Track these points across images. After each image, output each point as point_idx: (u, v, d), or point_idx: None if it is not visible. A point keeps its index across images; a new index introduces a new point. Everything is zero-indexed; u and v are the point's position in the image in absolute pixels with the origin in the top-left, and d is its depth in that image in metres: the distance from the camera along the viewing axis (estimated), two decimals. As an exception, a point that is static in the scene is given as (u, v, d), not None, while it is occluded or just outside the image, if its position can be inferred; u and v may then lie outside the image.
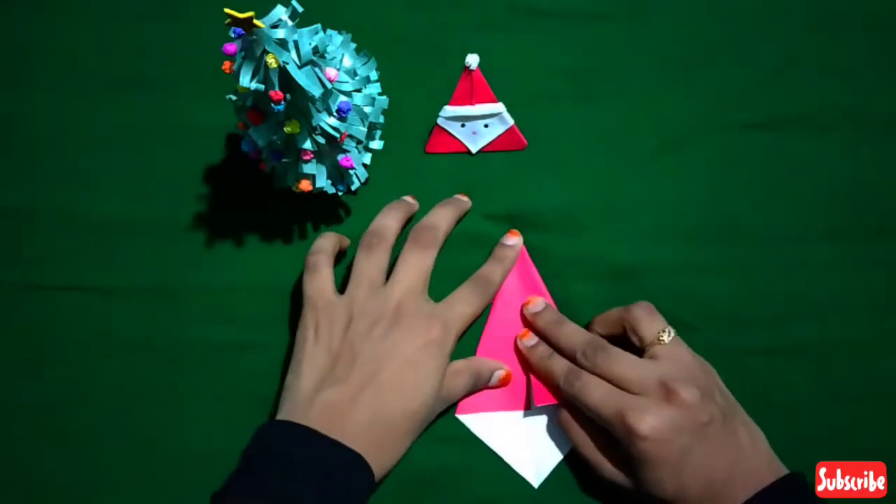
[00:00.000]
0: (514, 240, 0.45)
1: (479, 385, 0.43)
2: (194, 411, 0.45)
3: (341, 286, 0.43)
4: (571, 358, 0.42)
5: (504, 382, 0.44)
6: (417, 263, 0.41)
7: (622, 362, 0.40)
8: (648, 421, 0.37)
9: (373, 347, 0.38)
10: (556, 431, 0.43)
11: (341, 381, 0.37)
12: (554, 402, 0.42)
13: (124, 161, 0.47)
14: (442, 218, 0.43)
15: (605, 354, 0.40)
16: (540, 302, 0.44)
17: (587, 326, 0.44)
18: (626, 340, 0.42)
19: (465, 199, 0.46)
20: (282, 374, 0.45)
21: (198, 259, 0.46)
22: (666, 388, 0.38)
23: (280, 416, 0.38)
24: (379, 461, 0.36)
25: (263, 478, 0.34)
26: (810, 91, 0.47)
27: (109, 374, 0.45)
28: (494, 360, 0.44)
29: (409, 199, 0.45)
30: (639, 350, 0.41)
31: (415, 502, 0.42)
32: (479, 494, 0.43)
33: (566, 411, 0.42)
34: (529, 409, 0.44)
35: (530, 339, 0.43)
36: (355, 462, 0.35)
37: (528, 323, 0.44)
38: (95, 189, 0.47)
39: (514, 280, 0.45)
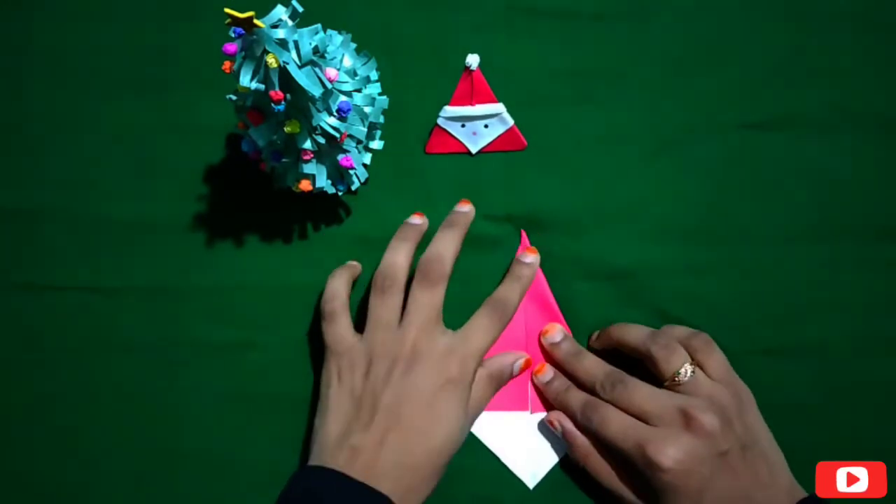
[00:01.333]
0: (531, 257, 0.44)
1: (504, 382, 0.43)
2: (194, 411, 0.45)
3: (356, 319, 0.43)
4: (590, 390, 0.42)
5: (526, 367, 0.44)
6: (428, 301, 0.40)
7: (641, 393, 0.40)
8: (669, 453, 0.37)
9: (393, 391, 0.38)
10: (554, 434, 0.43)
11: (366, 427, 0.38)
12: (551, 408, 0.43)
13: (124, 161, 0.47)
14: (447, 246, 0.42)
15: (623, 386, 0.40)
16: (558, 332, 0.44)
17: (602, 333, 0.44)
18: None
19: (466, 208, 0.44)
20: (281, 375, 0.45)
21: (198, 259, 0.46)
22: (686, 416, 0.38)
23: (311, 462, 0.38)
24: (407, 499, 0.37)
25: None
26: (810, 91, 0.47)
27: (109, 374, 0.45)
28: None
29: (416, 220, 0.44)
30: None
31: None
32: (478, 494, 0.43)
33: (585, 443, 0.41)
34: (528, 411, 0.44)
35: (546, 374, 0.44)
36: (382, 502, 0.36)
37: (546, 353, 0.44)
38: (96, 189, 0.47)
39: None
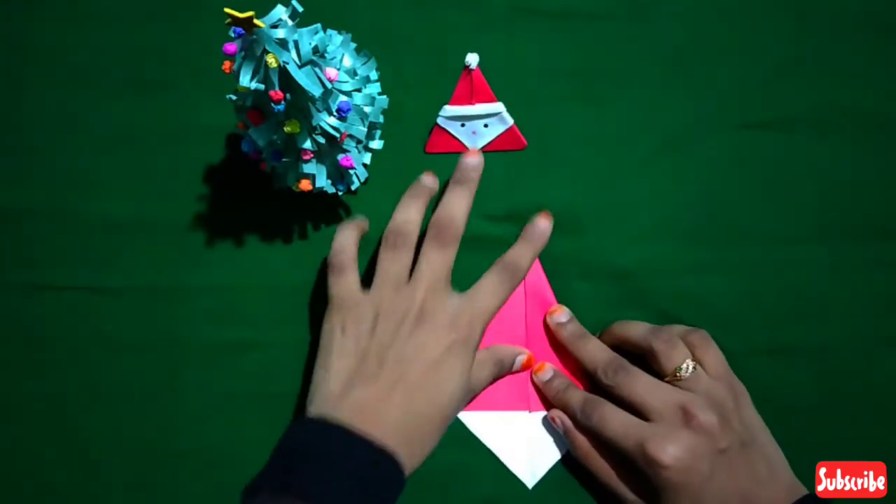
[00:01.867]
0: (545, 222, 0.43)
1: (503, 372, 0.43)
2: (194, 411, 0.45)
3: (363, 277, 0.43)
4: (592, 374, 0.42)
5: (527, 365, 0.44)
6: (439, 259, 0.40)
7: (642, 384, 0.40)
8: (669, 450, 0.37)
9: (400, 347, 0.38)
10: (554, 434, 0.43)
11: (371, 380, 0.37)
12: (551, 409, 0.44)
13: (124, 161, 0.47)
14: (460, 204, 0.42)
15: (626, 373, 0.41)
16: (565, 312, 0.44)
17: (605, 331, 0.44)
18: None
19: (475, 160, 0.43)
20: (281, 375, 0.45)
21: (198, 259, 0.46)
22: (685, 413, 0.38)
23: (311, 414, 0.38)
24: (409, 458, 0.37)
25: (295, 473, 0.34)
26: (810, 91, 0.47)
27: (109, 374, 0.45)
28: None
29: (428, 179, 0.43)
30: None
31: (413, 500, 0.42)
32: (478, 493, 0.43)
33: (585, 442, 0.42)
34: (529, 410, 0.44)
35: (546, 373, 0.44)
36: (387, 459, 0.35)
37: (551, 333, 0.44)
38: (95, 189, 0.47)
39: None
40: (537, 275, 0.45)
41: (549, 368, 0.44)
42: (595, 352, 0.42)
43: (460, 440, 0.43)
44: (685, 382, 0.40)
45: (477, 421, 0.44)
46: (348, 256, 0.41)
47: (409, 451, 0.36)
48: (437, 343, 0.38)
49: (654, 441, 0.38)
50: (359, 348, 0.38)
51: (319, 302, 0.45)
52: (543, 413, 0.44)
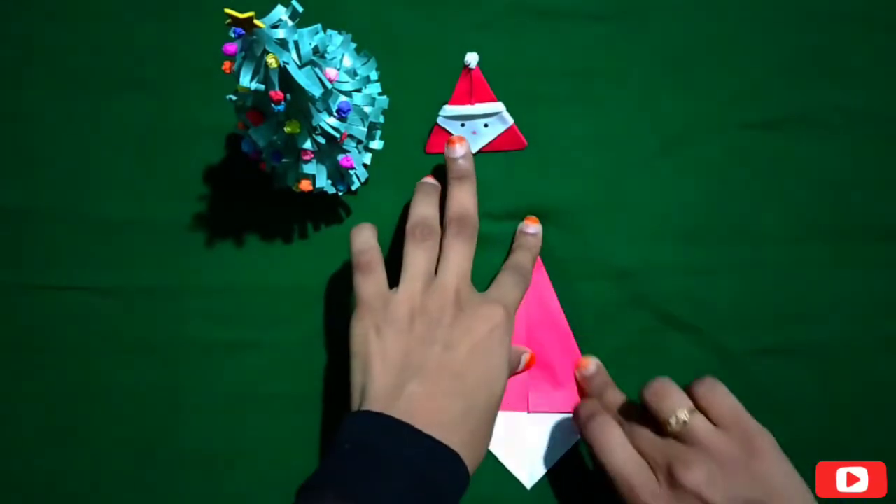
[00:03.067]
0: (534, 227, 0.45)
1: (514, 369, 0.43)
2: (194, 411, 0.45)
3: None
4: None
5: (530, 365, 0.44)
6: (466, 251, 0.40)
7: (640, 436, 0.39)
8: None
9: (445, 337, 0.37)
10: (553, 435, 0.43)
11: (421, 376, 0.36)
12: (549, 411, 0.44)
13: (124, 161, 0.47)
14: (469, 200, 0.42)
15: (630, 427, 0.39)
16: (593, 363, 0.44)
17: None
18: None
19: (462, 150, 0.42)
20: (281, 375, 0.45)
21: (198, 259, 0.46)
22: (669, 472, 0.36)
23: (367, 409, 0.35)
24: (473, 454, 0.35)
25: (359, 475, 0.33)
26: (810, 91, 0.47)
27: (109, 374, 0.45)
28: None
29: (432, 180, 0.44)
30: None
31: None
32: (478, 493, 0.43)
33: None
34: (529, 411, 0.44)
35: (590, 368, 0.44)
36: (451, 458, 0.34)
37: (550, 332, 0.45)
38: (95, 189, 0.47)
39: None
40: (539, 275, 0.45)
41: (593, 363, 0.44)
42: (610, 403, 0.42)
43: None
44: (682, 436, 0.37)
45: None
46: (375, 255, 0.40)
47: (473, 445, 0.35)
48: (480, 328, 0.37)
49: (642, 492, 0.36)
50: (399, 346, 0.37)
51: (319, 302, 0.45)
52: (542, 414, 0.44)
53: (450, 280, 0.39)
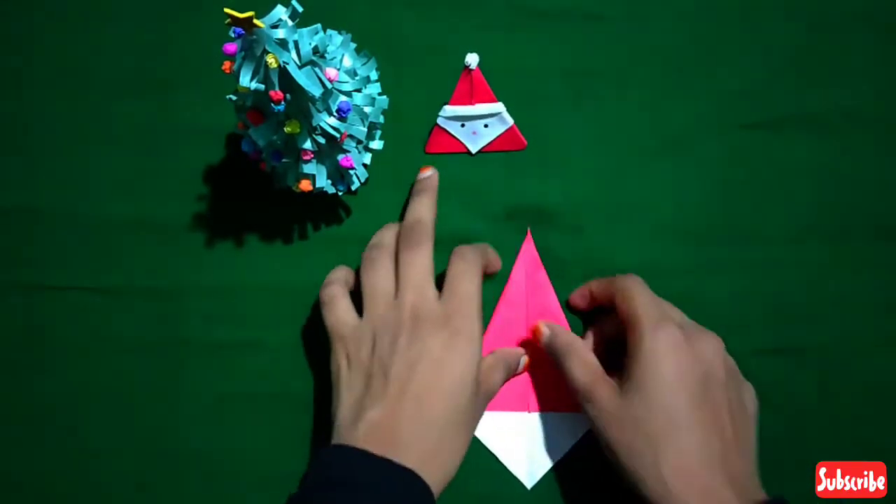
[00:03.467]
0: (427, 172, 0.45)
1: (511, 374, 0.43)
2: (194, 411, 0.45)
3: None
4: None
5: (527, 368, 0.44)
6: (416, 262, 0.40)
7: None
8: (661, 331, 0.38)
9: (401, 358, 0.37)
10: (553, 435, 0.43)
11: (379, 399, 0.37)
12: (549, 411, 0.44)
13: (124, 161, 0.47)
14: (423, 208, 0.42)
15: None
16: (546, 329, 0.43)
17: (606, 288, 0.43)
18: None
19: (429, 173, 0.45)
20: (281, 375, 0.45)
21: (198, 259, 0.46)
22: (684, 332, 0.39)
23: (332, 442, 0.37)
24: (439, 469, 0.36)
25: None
26: (810, 91, 0.47)
27: (109, 374, 0.45)
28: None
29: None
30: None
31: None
32: (475, 491, 0.43)
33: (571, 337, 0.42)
34: (528, 411, 0.44)
35: (545, 333, 0.43)
36: (409, 479, 0.35)
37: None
38: (96, 189, 0.47)
39: (519, 279, 0.45)
40: (539, 274, 0.45)
41: (544, 327, 0.43)
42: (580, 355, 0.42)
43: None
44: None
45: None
46: (337, 286, 0.42)
47: (436, 461, 0.36)
48: (435, 341, 0.38)
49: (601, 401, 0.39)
50: (364, 373, 0.38)
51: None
52: (543, 413, 0.44)
53: (405, 297, 0.39)
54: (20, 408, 0.45)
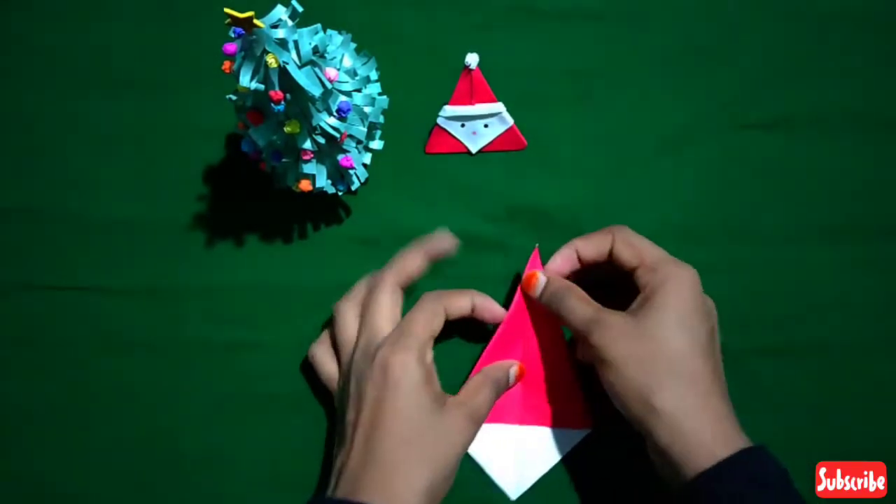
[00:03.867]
0: (443, 238, 0.42)
1: (502, 390, 0.42)
2: (194, 411, 0.45)
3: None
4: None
5: (521, 376, 0.43)
6: (370, 305, 0.40)
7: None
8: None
9: (353, 402, 0.38)
10: (541, 447, 0.43)
11: (343, 446, 0.38)
12: (540, 424, 0.43)
13: (124, 161, 0.47)
14: (406, 256, 0.41)
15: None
16: (542, 277, 0.42)
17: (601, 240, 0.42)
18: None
19: (446, 239, 0.43)
20: (281, 375, 0.45)
21: (198, 259, 0.46)
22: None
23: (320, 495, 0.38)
24: (407, 491, 0.35)
25: None
26: (810, 91, 0.47)
27: (109, 374, 0.45)
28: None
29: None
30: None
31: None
32: (468, 495, 0.43)
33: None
34: (518, 423, 0.43)
35: (539, 284, 0.42)
36: None
37: (549, 336, 0.43)
38: (96, 189, 0.47)
39: (521, 301, 0.43)
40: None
41: (540, 275, 0.42)
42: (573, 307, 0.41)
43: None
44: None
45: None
46: (315, 348, 0.43)
47: (396, 490, 0.35)
48: (371, 389, 0.37)
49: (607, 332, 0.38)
50: (339, 420, 0.40)
51: (319, 302, 0.45)
52: (532, 427, 0.43)
53: (359, 342, 0.40)
54: (20, 408, 0.45)
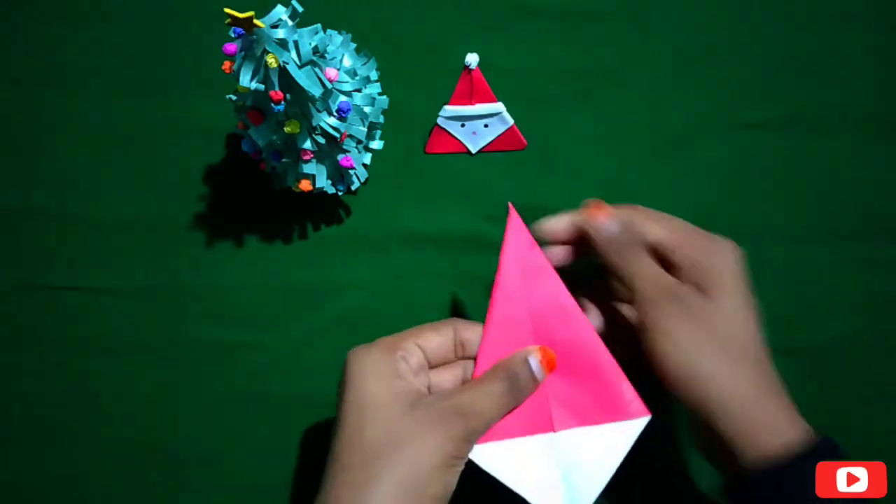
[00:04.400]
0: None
1: (521, 386, 0.34)
2: (194, 411, 0.45)
3: None
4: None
5: (550, 366, 0.35)
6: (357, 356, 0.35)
7: None
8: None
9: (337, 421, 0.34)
10: (591, 453, 0.34)
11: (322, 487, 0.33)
12: (579, 425, 0.35)
13: (124, 161, 0.47)
14: (417, 330, 0.36)
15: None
16: (613, 224, 0.36)
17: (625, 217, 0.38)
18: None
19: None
20: (281, 375, 0.45)
21: (198, 259, 0.46)
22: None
23: None
24: None
25: None
26: (810, 91, 0.47)
27: (109, 374, 0.45)
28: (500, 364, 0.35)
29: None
30: None
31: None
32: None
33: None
34: (553, 431, 0.35)
35: (610, 224, 0.36)
36: None
37: (559, 330, 0.35)
38: (96, 189, 0.47)
39: (512, 267, 0.36)
40: (535, 257, 0.37)
41: (613, 219, 0.36)
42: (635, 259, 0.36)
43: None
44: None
45: (488, 455, 0.34)
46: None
47: None
48: (339, 403, 0.34)
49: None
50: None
51: (319, 302, 0.45)
52: (572, 429, 0.35)
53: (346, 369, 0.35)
54: (20, 408, 0.45)
